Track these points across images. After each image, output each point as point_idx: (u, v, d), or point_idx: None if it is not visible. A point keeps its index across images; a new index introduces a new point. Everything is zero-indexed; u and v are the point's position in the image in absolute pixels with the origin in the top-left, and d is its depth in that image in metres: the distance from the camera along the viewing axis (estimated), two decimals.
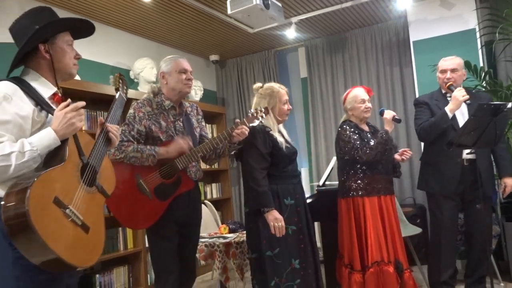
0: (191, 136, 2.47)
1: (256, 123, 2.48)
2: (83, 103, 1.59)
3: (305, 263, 2.56)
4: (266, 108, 2.52)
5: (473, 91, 3.41)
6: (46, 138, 1.50)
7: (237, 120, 2.48)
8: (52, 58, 1.65)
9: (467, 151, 2.92)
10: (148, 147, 2.35)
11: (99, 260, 3.64)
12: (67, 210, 1.45)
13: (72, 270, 1.49)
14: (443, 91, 3.09)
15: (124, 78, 1.99)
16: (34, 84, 1.61)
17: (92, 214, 1.57)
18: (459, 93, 2.85)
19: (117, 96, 1.88)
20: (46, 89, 1.64)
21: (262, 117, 2.47)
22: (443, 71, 3.05)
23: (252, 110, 2.49)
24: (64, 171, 1.50)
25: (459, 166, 2.93)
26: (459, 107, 2.87)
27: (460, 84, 3.05)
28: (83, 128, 3.71)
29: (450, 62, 3.05)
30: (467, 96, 2.84)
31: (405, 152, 2.99)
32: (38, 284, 1.48)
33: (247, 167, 2.55)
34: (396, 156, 3.01)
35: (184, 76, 2.46)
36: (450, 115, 2.87)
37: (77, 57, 1.76)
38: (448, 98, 2.99)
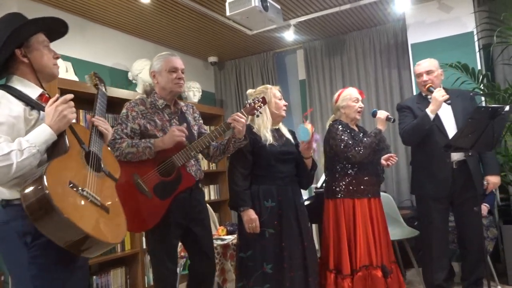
0: (188, 134, 2.39)
1: (255, 113, 2.43)
2: (71, 96, 1.61)
3: (280, 267, 2.49)
4: (263, 98, 2.45)
5: (470, 92, 3.42)
6: (43, 134, 1.52)
7: (237, 112, 2.42)
8: (31, 61, 1.67)
9: (458, 153, 2.93)
10: (143, 140, 2.27)
11: (96, 261, 3.65)
12: (84, 192, 1.50)
13: (102, 247, 1.51)
14: (424, 94, 3.10)
15: (99, 75, 2.01)
16: (20, 88, 1.63)
17: (107, 197, 1.62)
18: (439, 94, 2.86)
19: (99, 92, 1.90)
20: (32, 90, 1.67)
21: (260, 107, 2.42)
22: (419, 75, 3.08)
23: (250, 101, 2.44)
24: (71, 158, 1.55)
25: (449, 169, 2.93)
26: (439, 107, 2.88)
27: (439, 84, 3.07)
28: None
29: (424, 65, 3.08)
30: (447, 96, 2.84)
31: (391, 158, 2.95)
32: (54, 283, 1.52)
33: (230, 166, 2.57)
34: (383, 161, 2.98)
35: (174, 75, 2.38)
36: (431, 116, 2.88)
37: (56, 56, 1.78)
38: (430, 100, 3.00)
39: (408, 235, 3.60)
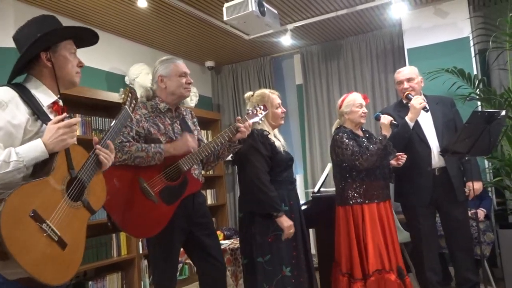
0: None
1: (256, 119, 2.44)
2: (77, 120, 1.58)
3: (297, 270, 2.53)
4: (264, 106, 2.49)
5: (468, 98, 3.44)
6: (34, 149, 1.47)
7: (238, 117, 2.42)
8: (54, 66, 1.65)
9: (436, 159, 2.96)
10: (153, 145, 2.22)
11: (92, 266, 3.63)
12: (44, 225, 1.42)
13: (43, 287, 1.42)
14: (404, 101, 3.11)
15: (135, 93, 1.95)
16: (35, 92, 1.61)
17: (72, 230, 1.53)
18: (416, 101, 2.88)
19: (123, 111, 1.84)
20: (46, 97, 1.64)
21: (261, 114, 2.44)
22: (400, 83, 3.10)
23: (251, 108, 2.46)
24: (48, 184, 1.48)
25: (430, 176, 2.95)
26: (418, 115, 2.90)
27: (420, 92, 3.10)
28: (77, 133, 3.70)
29: (405, 72, 3.11)
30: (424, 103, 2.87)
31: (400, 157, 2.96)
32: None
33: (253, 169, 2.49)
34: (392, 162, 3.00)
35: (184, 80, 2.39)
36: (410, 124, 2.90)
37: (80, 65, 1.76)
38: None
39: (405, 240, 3.59)
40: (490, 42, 3.75)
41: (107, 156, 1.69)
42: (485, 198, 3.73)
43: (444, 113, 3.03)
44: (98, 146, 1.67)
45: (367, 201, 2.83)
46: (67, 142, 1.52)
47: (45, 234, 1.42)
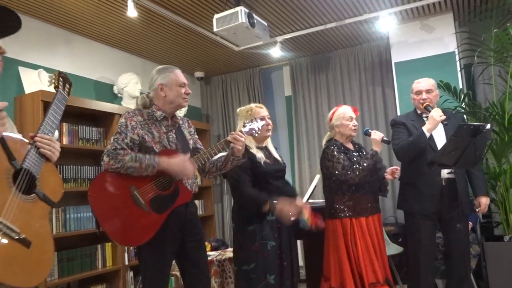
0: (184, 147, 2.38)
1: (253, 133, 2.46)
2: (3, 104, 1.42)
3: (281, 279, 2.57)
4: (261, 119, 2.54)
5: (453, 112, 3.48)
6: None
7: (232, 132, 2.44)
8: None
9: (447, 170, 2.97)
10: (148, 156, 2.19)
11: (75, 278, 3.56)
12: None
13: None
14: (419, 112, 3.14)
15: (67, 77, 1.83)
16: None
17: (33, 226, 1.42)
18: (437, 113, 2.90)
19: (57, 95, 1.70)
20: None
21: (258, 127, 2.45)
22: (418, 92, 3.12)
23: (248, 121, 2.51)
24: None
25: (438, 186, 2.96)
26: (436, 126, 2.92)
27: (435, 104, 3.12)
28: (64, 142, 3.65)
29: (425, 83, 3.13)
30: (444, 117, 2.89)
31: (396, 171, 3.00)
32: None
33: (233, 183, 2.62)
34: (388, 176, 3.02)
35: (183, 90, 2.40)
36: (427, 134, 2.92)
37: (1, 51, 1.56)
38: (424, 119, 3.03)
39: (392, 252, 3.60)
40: (475, 57, 3.81)
41: (49, 147, 1.54)
42: (471, 211, 3.76)
43: (455, 127, 3.05)
44: (36, 137, 1.53)
45: (356, 215, 2.84)
46: None
47: (0, 233, 1.31)
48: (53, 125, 1.61)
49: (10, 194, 1.38)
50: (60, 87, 1.75)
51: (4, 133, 1.44)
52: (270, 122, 2.79)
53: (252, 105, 2.85)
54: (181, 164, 2.22)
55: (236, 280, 2.68)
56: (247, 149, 2.61)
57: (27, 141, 1.53)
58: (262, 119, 2.53)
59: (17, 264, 1.32)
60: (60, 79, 1.78)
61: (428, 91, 3.08)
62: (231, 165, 2.45)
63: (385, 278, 2.80)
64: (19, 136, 1.52)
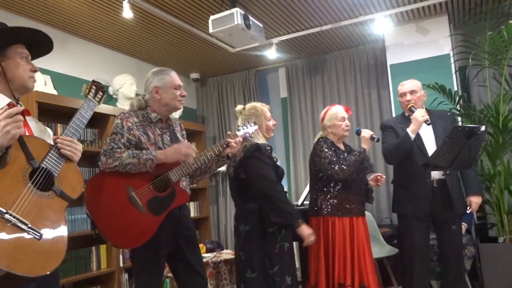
0: None
1: (247, 135, 2.48)
2: (18, 109, 1.48)
3: (294, 279, 2.58)
4: (255, 123, 2.55)
5: (448, 113, 3.49)
6: None
7: (229, 132, 2.45)
8: (4, 70, 1.62)
9: (438, 172, 2.98)
10: (144, 151, 2.19)
11: (70, 280, 3.53)
12: (6, 215, 1.38)
13: (23, 281, 1.38)
14: (406, 114, 3.16)
15: (101, 85, 1.87)
16: None
17: (47, 219, 1.49)
18: (419, 114, 2.92)
19: (86, 102, 1.78)
20: None
21: (252, 130, 2.48)
22: (403, 94, 3.13)
23: (241, 124, 2.51)
24: (5, 176, 1.44)
25: (429, 187, 2.97)
26: (420, 127, 2.93)
27: (422, 105, 3.13)
28: None
29: (409, 85, 3.14)
30: (427, 117, 2.91)
31: (381, 178, 2.99)
32: None
33: (268, 184, 2.49)
34: (371, 182, 3.01)
35: (178, 92, 2.40)
36: (412, 136, 2.93)
37: (33, 69, 1.71)
38: (412, 120, 3.05)
39: (388, 253, 3.61)
40: (470, 60, 3.84)
41: (70, 148, 1.63)
42: (466, 213, 3.77)
43: (445, 128, 3.04)
44: (58, 139, 1.62)
45: (339, 214, 2.82)
46: (12, 134, 1.44)
47: (10, 224, 1.38)
48: (78, 128, 1.71)
49: (24, 190, 1.46)
50: (91, 94, 1.82)
51: (23, 135, 1.53)
52: (274, 122, 2.80)
53: (257, 104, 2.78)
54: (177, 149, 2.23)
55: (257, 286, 2.50)
56: (269, 150, 2.62)
57: (49, 143, 1.63)
58: (255, 124, 2.56)
59: (24, 254, 1.39)
60: (93, 87, 1.84)
61: (412, 92, 3.09)
62: (216, 167, 2.47)
63: (359, 285, 2.72)
64: (42, 140, 1.62)
